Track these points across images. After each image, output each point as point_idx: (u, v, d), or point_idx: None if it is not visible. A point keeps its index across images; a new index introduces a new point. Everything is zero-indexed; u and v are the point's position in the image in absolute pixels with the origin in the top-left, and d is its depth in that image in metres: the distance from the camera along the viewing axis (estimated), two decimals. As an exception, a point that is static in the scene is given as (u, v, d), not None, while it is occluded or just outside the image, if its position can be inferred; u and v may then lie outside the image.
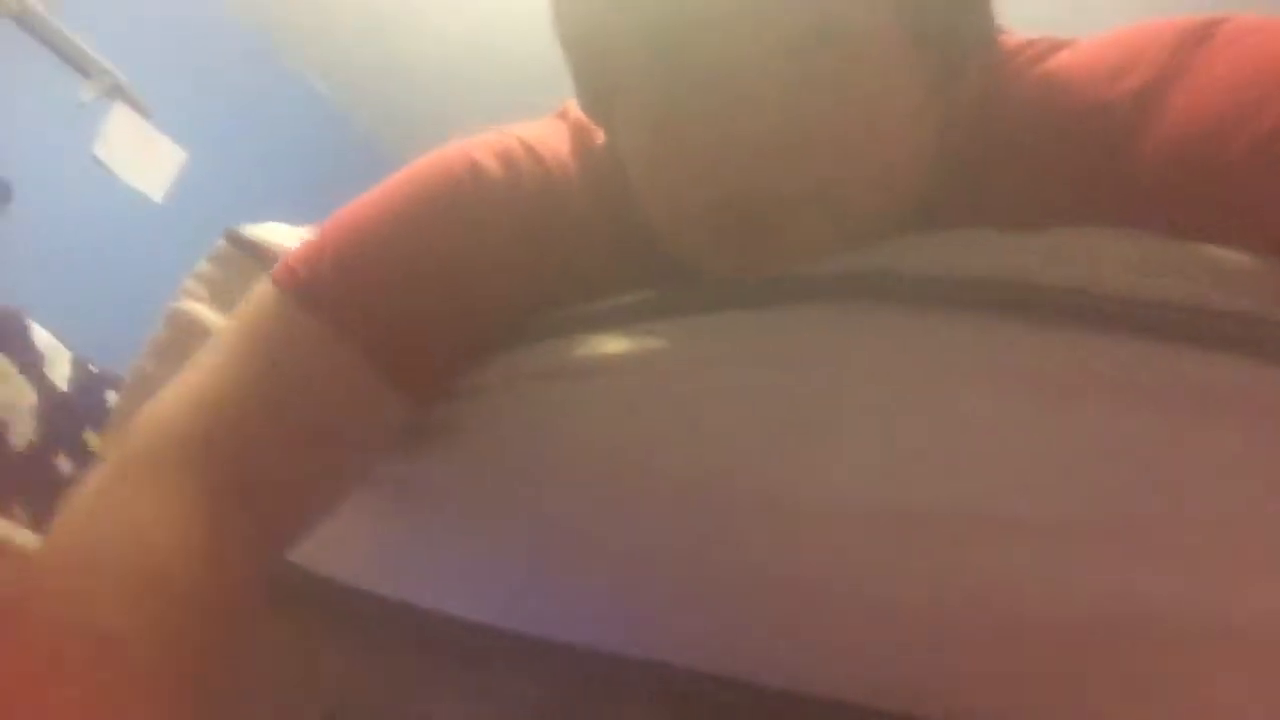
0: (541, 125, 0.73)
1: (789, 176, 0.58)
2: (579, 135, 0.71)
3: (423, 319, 0.63)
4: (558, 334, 0.64)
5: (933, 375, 0.53)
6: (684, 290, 0.62)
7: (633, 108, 0.63)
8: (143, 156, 3.07)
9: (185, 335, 0.87)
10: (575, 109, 0.72)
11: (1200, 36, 0.56)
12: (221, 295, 0.90)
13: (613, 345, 0.61)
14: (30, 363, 1.77)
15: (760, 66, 0.57)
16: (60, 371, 1.84)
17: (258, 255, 0.90)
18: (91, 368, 1.92)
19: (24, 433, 1.69)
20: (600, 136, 0.71)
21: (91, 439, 1.75)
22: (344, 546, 0.70)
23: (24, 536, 1.45)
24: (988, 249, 0.55)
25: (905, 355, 0.54)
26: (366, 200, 0.66)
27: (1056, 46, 0.64)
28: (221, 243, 0.93)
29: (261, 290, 0.64)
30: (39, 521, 1.54)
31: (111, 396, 1.86)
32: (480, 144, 0.68)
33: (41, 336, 1.85)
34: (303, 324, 0.61)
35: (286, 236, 0.92)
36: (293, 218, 0.96)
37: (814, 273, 0.59)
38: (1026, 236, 0.55)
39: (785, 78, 0.57)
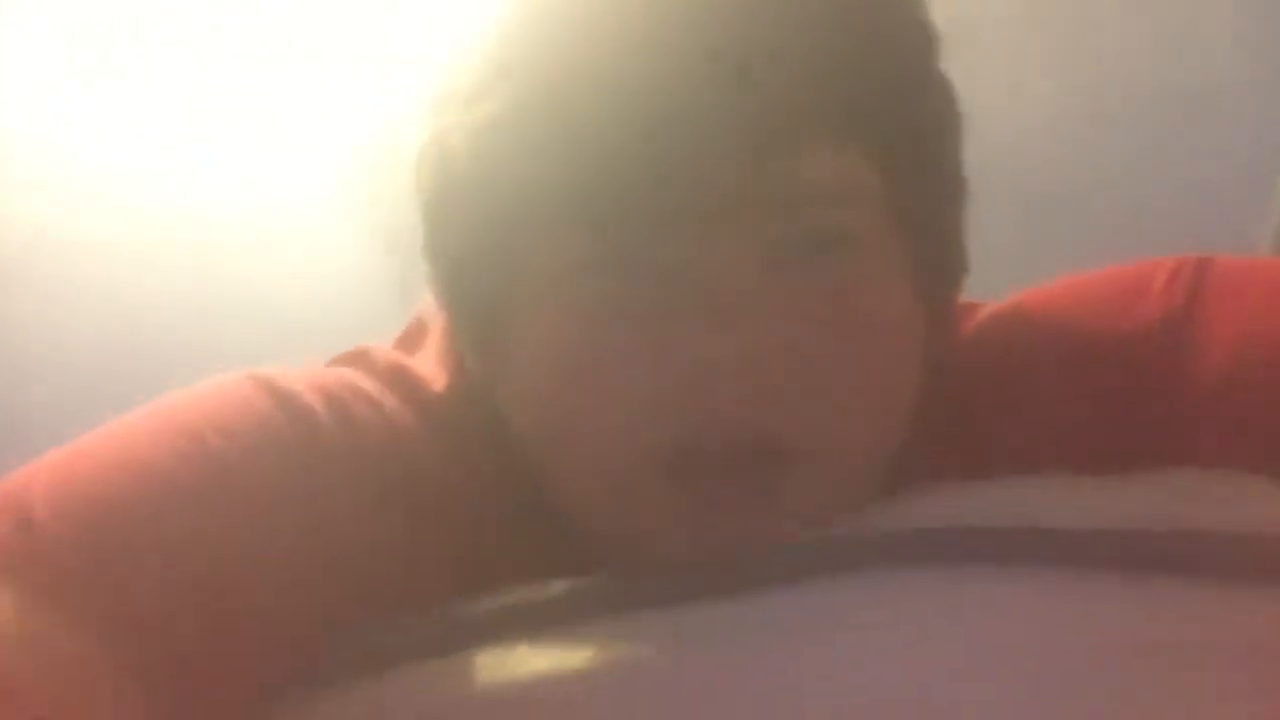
0: (329, 370, 0.52)
1: (791, 418, 0.45)
2: (403, 382, 0.52)
3: (221, 622, 0.42)
4: (435, 650, 0.44)
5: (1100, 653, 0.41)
6: (650, 571, 0.46)
7: (551, 318, 0.47)
8: None
9: None
10: (381, 354, 0.54)
11: (1197, 264, 0.53)
12: None
13: (542, 661, 0.43)
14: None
15: (752, 275, 0.45)
16: None
17: None
18: None
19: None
20: (436, 385, 0.52)
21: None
22: None
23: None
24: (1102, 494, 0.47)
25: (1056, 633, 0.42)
26: (100, 445, 0.45)
27: (993, 304, 0.57)
28: None
29: None
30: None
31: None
32: (278, 375, 0.48)
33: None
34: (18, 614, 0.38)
35: None
36: None
37: (852, 534, 0.46)
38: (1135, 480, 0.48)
39: (784, 283, 0.45)
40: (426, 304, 0.58)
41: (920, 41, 0.50)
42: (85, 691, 0.38)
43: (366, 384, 0.50)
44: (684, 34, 0.44)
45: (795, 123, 0.45)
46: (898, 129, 0.48)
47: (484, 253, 0.48)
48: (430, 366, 0.54)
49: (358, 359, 0.53)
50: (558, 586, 0.45)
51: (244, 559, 0.43)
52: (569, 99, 0.44)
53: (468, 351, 0.52)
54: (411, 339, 0.57)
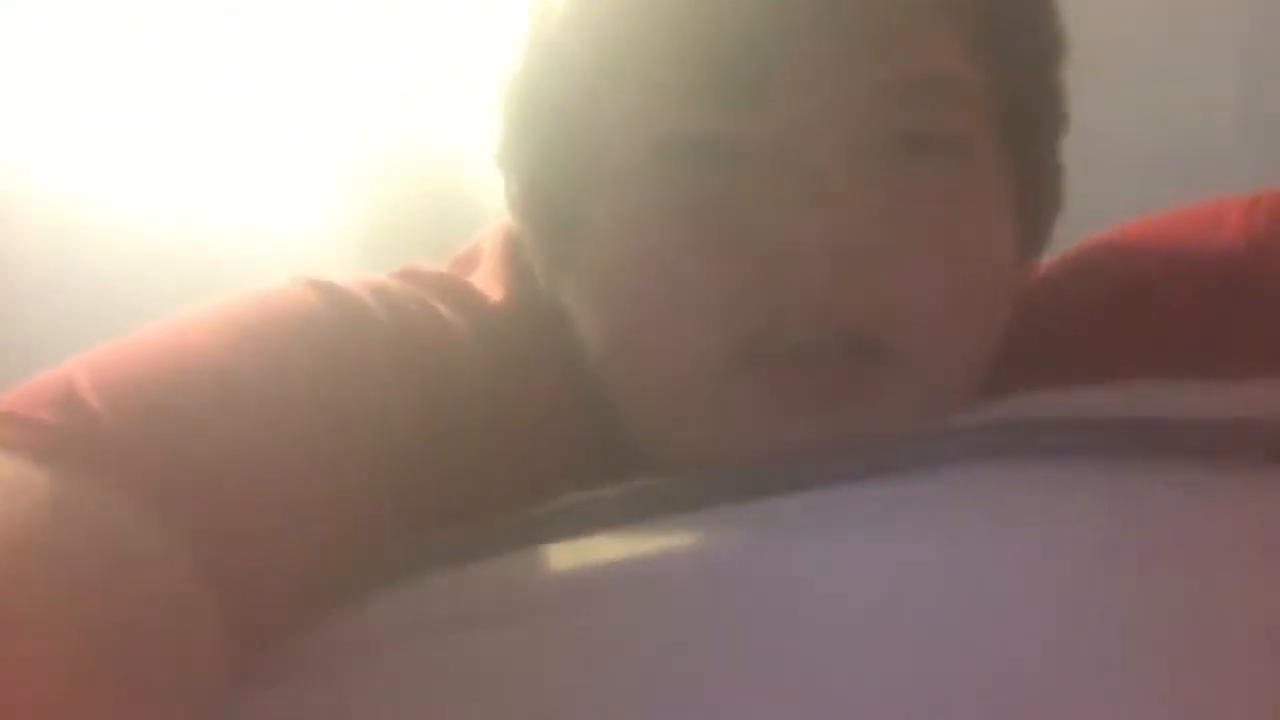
0: (384, 278, 0.50)
1: (884, 309, 0.44)
2: (458, 294, 0.50)
3: (275, 504, 0.39)
4: (506, 546, 0.42)
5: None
6: (724, 470, 0.43)
7: (638, 198, 0.45)
8: None
9: None
10: (432, 269, 0.52)
11: (1268, 200, 0.52)
12: None
13: (622, 548, 0.40)
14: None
15: (848, 157, 0.43)
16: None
17: None
18: None
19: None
20: (492, 297, 0.50)
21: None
22: None
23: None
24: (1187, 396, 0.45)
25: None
26: (148, 338, 0.43)
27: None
28: None
29: None
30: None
31: None
32: (333, 278, 0.46)
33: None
34: (68, 495, 0.35)
35: None
36: None
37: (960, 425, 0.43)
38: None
39: (881, 173, 0.43)
40: (480, 234, 0.56)
41: None
42: (137, 564, 0.35)
43: (420, 291, 0.48)
44: None
45: (913, 10, 0.43)
46: (1017, 40, 0.47)
47: (575, 127, 0.47)
48: (486, 282, 0.52)
49: (408, 275, 0.51)
50: (633, 485, 0.43)
51: (298, 447, 0.41)
52: None
53: (539, 248, 0.50)
54: (465, 263, 0.55)
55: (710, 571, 0.38)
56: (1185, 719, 0.32)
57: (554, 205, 0.48)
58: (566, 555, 0.40)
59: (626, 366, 0.47)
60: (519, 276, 0.51)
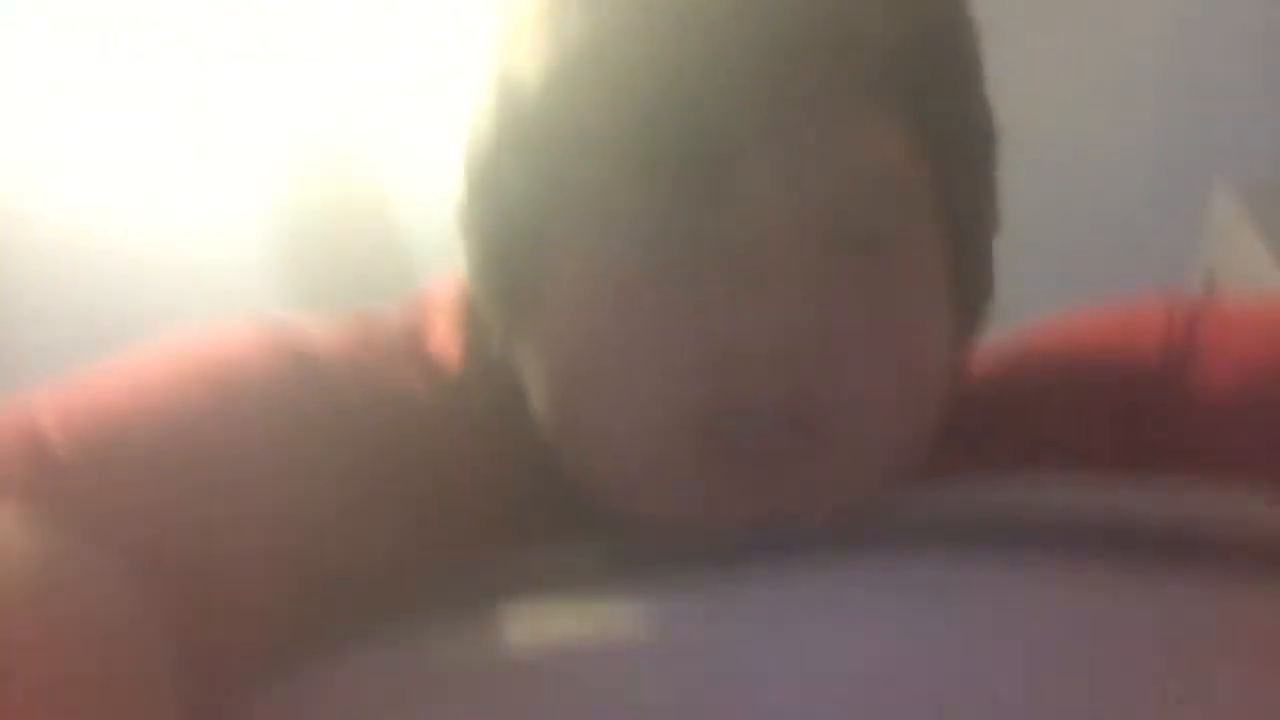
0: (341, 331, 0.51)
1: (826, 386, 0.45)
2: (416, 356, 0.51)
3: (235, 555, 0.41)
4: (454, 605, 0.43)
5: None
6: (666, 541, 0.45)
7: (593, 274, 0.46)
8: None
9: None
10: (392, 326, 0.53)
11: (1193, 303, 0.55)
12: None
13: (571, 622, 0.41)
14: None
15: (800, 247, 0.45)
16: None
17: None
18: None
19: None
20: (449, 360, 0.52)
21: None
22: None
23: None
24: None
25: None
26: (110, 377, 0.44)
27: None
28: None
29: None
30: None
31: None
32: (293, 328, 0.48)
33: None
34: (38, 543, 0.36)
35: None
36: None
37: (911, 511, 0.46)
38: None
39: (829, 264, 0.45)
40: (431, 282, 0.57)
41: (975, 41, 0.50)
42: (104, 611, 0.36)
43: (384, 357, 0.50)
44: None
45: (857, 109, 0.45)
46: (953, 126, 0.48)
47: (536, 202, 0.48)
48: (441, 342, 0.53)
49: (363, 325, 0.52)
50: (582, 549, 0.45)
51: (260, 502, 0.42)
52: (639, 37, 0.44)
53: (493, 314, 0.51)
54: (416, 311, 0.55)
55: (669, 659, 0.40)
56: None
57: (510, 274, 0.49)
58: (523, 625, 0.41)
59: (574, 430, 0.48)
60: (474, 339, 0.52)
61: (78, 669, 0.34)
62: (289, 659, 0.42)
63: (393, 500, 0.45)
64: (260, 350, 0.46)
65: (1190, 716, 0.38)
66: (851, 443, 0.45)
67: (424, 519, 0.46)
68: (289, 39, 1.21)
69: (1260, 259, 1.13)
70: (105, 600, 0.36)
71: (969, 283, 0.51)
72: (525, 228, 0.48)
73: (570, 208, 0.47)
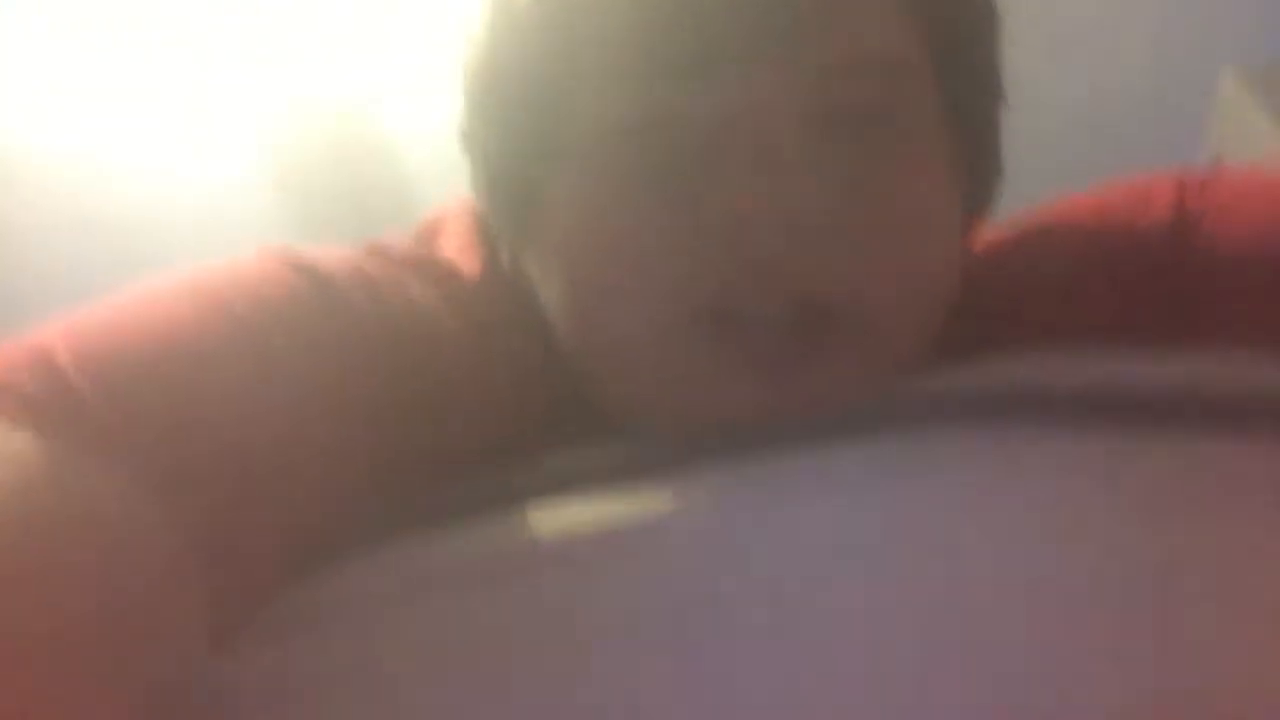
0: (353, 253, 0.50)
1: (835, 277, 0.45)
2: (428, 269, 0.51)
3: (255, 472, 0.40)
4: (484, 509, 0.43)
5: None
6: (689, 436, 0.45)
7: (593, 180, 0.46)
8: None
9: None
10: (400, 245, 0.53)
11: (1194, 178, 0.54)
12: None
13: (592, 513, 0.41)
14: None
15: (796, 130, 0.44)
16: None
17: None
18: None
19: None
20: (463, 271, 0.52)
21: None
22: None
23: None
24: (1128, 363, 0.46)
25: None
26: (123, 307, 0.43)
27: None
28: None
29: None
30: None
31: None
32: (303, 251, 0.48)
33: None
34: (48, 462, 0.35)
35: None
36: None
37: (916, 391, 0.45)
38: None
39: (828, 148, 0.45)
40: (438, 206, 0.57)
41: None
42: (122, 536, 0.36)
43: (396, 272, 0.49)
44: None
45: None
46: (952, 14, 0.48)
47: (536, 107, 0.48)
48: (457, 256, 0.53)
49: (379, 251, 0.52)
50: (596, 452, 0.44)
51: (278, 419, 0.42)
52: None
53: (503, 226, 0.51)
54: (428, 235, 0.56)
55: (693, 536, 0.40)
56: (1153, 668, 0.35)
57: (515, 182, 0.50)
58: (550, 518, 0.42)
59: (586, 334, 0.48)
60: (489, 251, 0.52)
61: (82, 588, 0.34)
62: (321, 561, 0.42)
63: (409, 407, 0.46)
64: (271, 270, 0.46)
65: (1205, 570, 0.38)
66: (867, 327, 0.46)
67: (441, 425, 0.47)
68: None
69: (1270, 142, 1.12)
70: (114, 523, 0.36)
71: (976, 161, 0.51)
72: (527, 137, 0.48)
73: (570, 113, 0.47)
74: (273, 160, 1.25)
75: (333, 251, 0.49)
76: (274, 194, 1.25)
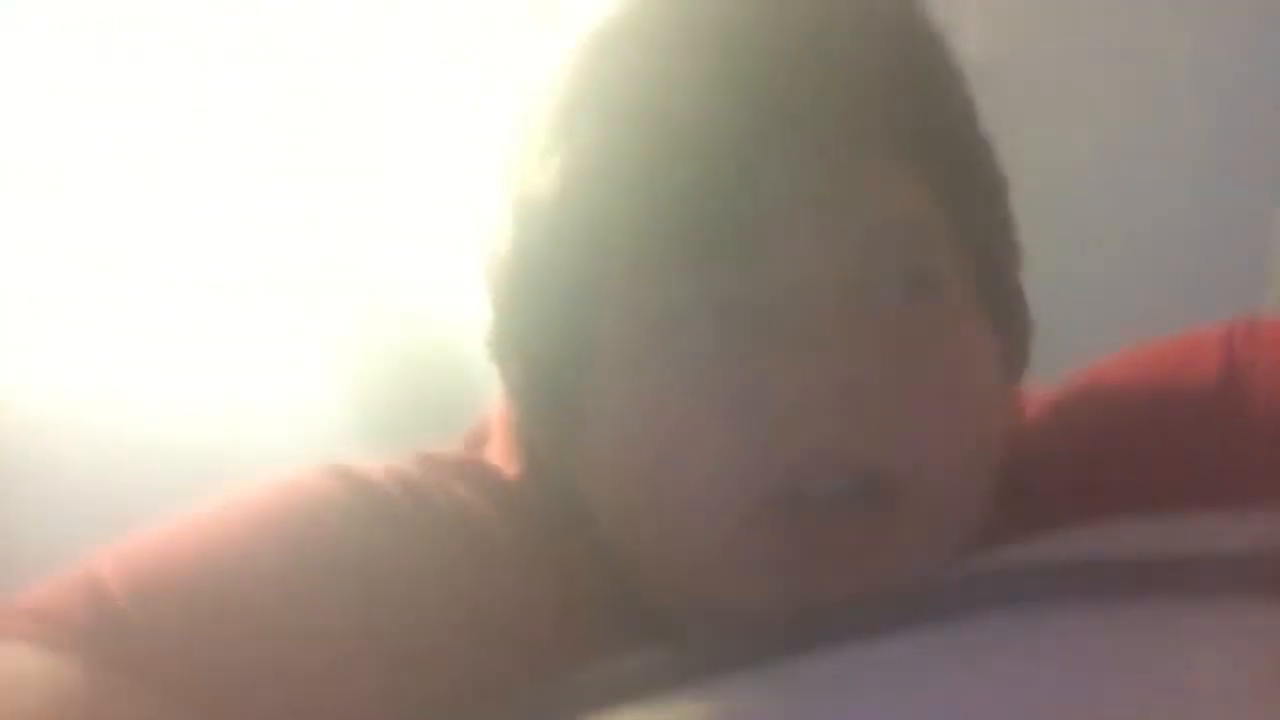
0: (401, 463, 0.51)
1: (898, 448, 0.44)
2: (474, 473, 0.51)
3: (303, 703, 0.40)
4: None
5: None
6: (747, 629, 0.44)
7: (640, 372, 0.46)
8: None
9: None
10: (448, 451, 0.54)
11: (1247, 322, 0.53)
12: None
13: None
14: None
15: (845, 301, 0.44)
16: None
17: None
18: None
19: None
20: (507, 474, 0.52)
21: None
22: None
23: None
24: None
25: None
26: (173, 531, 0.44)
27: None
28: None
29: None
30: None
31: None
32: (353, 464, 0.48)
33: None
34: (100, 690, 0.36)
35: None
36: None
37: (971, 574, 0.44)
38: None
39: (875, 316, 0.45)
40: (486, 412, 0.57)
41: (966, 85, 0.51)
42: None
43: (438, 475, 0.49)
44: (758, 69, 0.45)
45: (882, 160, 0.45)
46: (971, 179, 0.49)
47: (571, 305, 0.48)
48: (498, 459, 0.53)
49: (424, 459, 0.52)
50: (659, 653, 0.43)
51: (323, 645, 0.42)
52: (653, 138, 0.45)
53: (541, 430, 0.51)
54: (476, 440, 0.56)
55: None
56: None
57: (556, 384, 0.49)
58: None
59: (644, 535, 0.47)
60: (528, 450, 0.52)
61: None
62: None
63: (468, 623, 0.45)
64: (322, 488, 0.46)
65: None
66: (930, 497, 0.45)
67: (490, 634, 0.46)
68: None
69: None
70: None
71: (1007, 320, 0.51)
72: (558, 339, 0.48)
73: (605, 303, 0.47)
74: (338, 372, 1.27)
75: (382, 464, 0.49)
76: (345, 409, 1.26)
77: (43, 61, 1.12)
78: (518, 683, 0.44)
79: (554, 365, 0.49)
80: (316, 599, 0.42)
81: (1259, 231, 1.20)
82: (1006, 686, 0.38)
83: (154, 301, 1.16)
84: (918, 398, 0.45)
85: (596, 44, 0.48)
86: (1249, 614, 0.40)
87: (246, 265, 1.19)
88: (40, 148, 1.12)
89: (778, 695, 0.40)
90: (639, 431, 0.46)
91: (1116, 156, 1.24)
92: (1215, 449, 0.50)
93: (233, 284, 1.18)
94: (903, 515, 0.45)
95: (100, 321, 1.17)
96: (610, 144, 0.46)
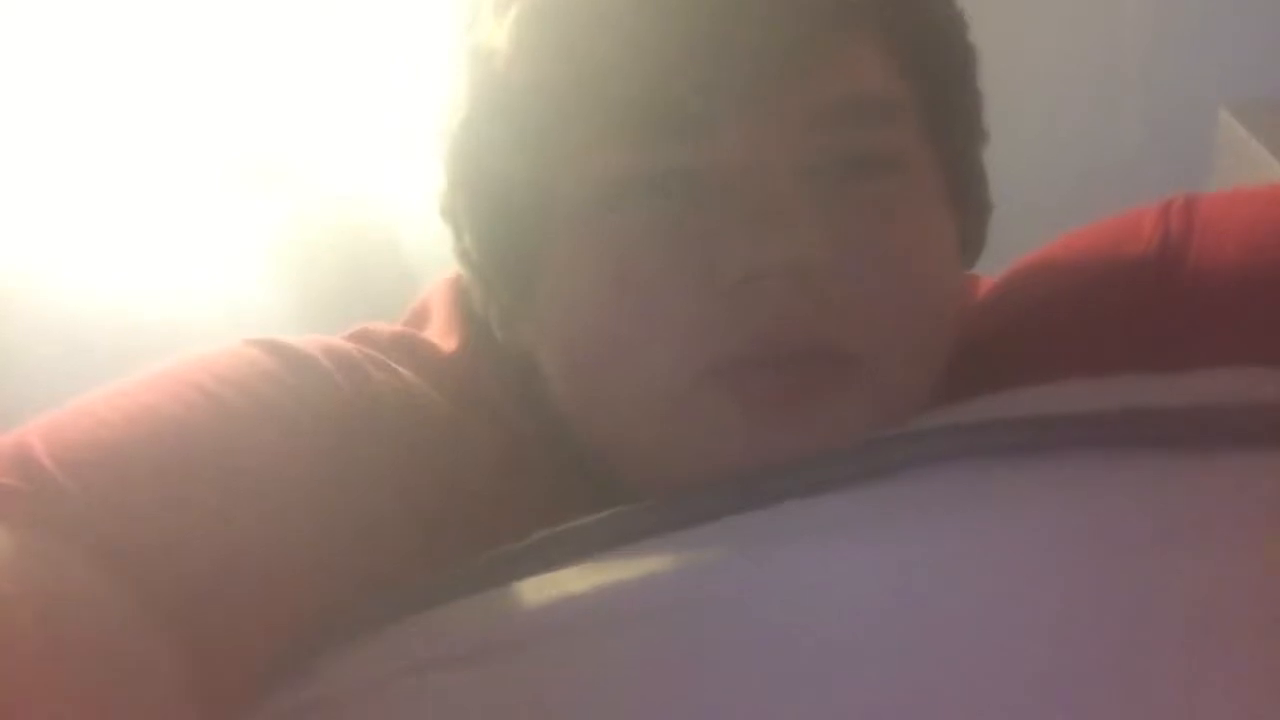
0: (333, 338, 0.50)
1: (848, 325, 0.45)
2: (409, 349, 0.51)
3: (232, 558, 0.39)
4: (475, 588, 0.42)
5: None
6: (697, 488, 0.44)
7: (595, 241, 0.46)
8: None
9: None
10: (383, 328, 0.53)
11: (1180, 202, 0.54)
12: None
13: (593, 579, 0.40)
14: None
15: (801, 179, 0.44)
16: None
17: None
18: None
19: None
20: (444, 348, 0.51)
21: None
22: None
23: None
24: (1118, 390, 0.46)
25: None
26: (100, 399, 0.43)
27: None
28: None
29: None
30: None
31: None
32: (281, 338, 0.47)
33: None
34: (28, 555, 0.35)
35: None
36: None
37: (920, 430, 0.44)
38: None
39: (833, 194, 0.45)
40: (427, 293, 0.57)
41: None
42: (93, 621, 0.35)
43: (371, 348, 0.49)
44: None
45: (843, 34, 0.45)
46: (936, 55, 0.49)
47: (526, 173, 0.47)
48: (438, 335, 0.53)
49: (359, 336, 0.51)
50: (605, 513, 0.43)
51: (256, 506, 0.41)
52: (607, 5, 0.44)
53: (493, 296, 0.50)
54: (415, 319, 0.56)
55: (695, 595, 0.39)
56: (1188, 695, 0.34)
57: (508, 251, 0.49)
58: (540, 590, 0.40)
59: (597, 397, 0.47)
60: (470, 324, 0.52)
61: (63, 683, 0.33)
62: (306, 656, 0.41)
63: (400, 490, 0.45)
64: (253, 360, 0.45)
65: (1203, 597, 0.37)
66: (879, 368, 0.45)
67: (436, 502, 0.46)
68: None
69: (1271, 177, 1.11)
70: (93, 615, 0.35)
71: (966, 198, 0.51)
72: (514, 202, 0.48)
73: (563, 173, 0.46)
74: (276, 258, 1.25)
75: (315, 337, 0.48)
76: (277, 291, 1.24)
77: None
78: (454, 550, 0.44)
79: (508, 231, 0.49)
80: (246, 459, 0.42)
81: (1204, 126, 1.20)
82: (1007, 522, 0.39)
83: (95, 186, 1.14)
84: (871, 275, 0.45)
85: None
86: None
87: (184, 148, 1.16)
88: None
89: (728, 548, 0.41)
90: (591, 301, 0.46)
91: (1063, 55, 1.24)
92: (1151, 315, 0.51)
93: (170, 167, 1.16)
94: (852, 384, 0.45)
95: (42, 206, 1.14)
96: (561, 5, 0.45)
